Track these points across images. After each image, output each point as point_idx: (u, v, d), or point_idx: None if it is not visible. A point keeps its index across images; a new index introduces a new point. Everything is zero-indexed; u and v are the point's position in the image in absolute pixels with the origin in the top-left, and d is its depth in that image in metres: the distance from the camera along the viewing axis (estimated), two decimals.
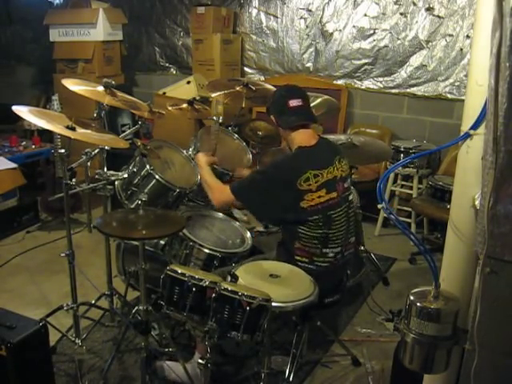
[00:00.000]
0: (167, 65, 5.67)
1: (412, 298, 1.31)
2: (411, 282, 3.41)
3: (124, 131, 3.29)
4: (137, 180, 2.52)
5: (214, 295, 1.86)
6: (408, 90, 4.45)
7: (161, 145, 2.79)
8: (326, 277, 2.33)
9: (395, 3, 4.32)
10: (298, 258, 2.33)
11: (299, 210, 2.27)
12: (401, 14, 4.31)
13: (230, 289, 1.87)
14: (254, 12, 5.04)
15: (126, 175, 2.55)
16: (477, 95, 1.28)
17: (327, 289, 2.32)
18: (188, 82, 4.84)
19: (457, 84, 4.20)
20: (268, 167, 2.44)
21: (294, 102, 2.36)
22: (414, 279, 3.48)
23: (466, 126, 1.33)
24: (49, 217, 4.36)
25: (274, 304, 1.90)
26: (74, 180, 2.47)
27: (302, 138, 2.37)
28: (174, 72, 5.63)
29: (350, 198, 2.41)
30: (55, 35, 5.16)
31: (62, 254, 2.55)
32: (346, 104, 4.70)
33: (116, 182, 2.58)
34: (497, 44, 1.04)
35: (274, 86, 3.53)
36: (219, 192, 2.43)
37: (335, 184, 2.31)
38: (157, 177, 2.48)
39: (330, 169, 2.31)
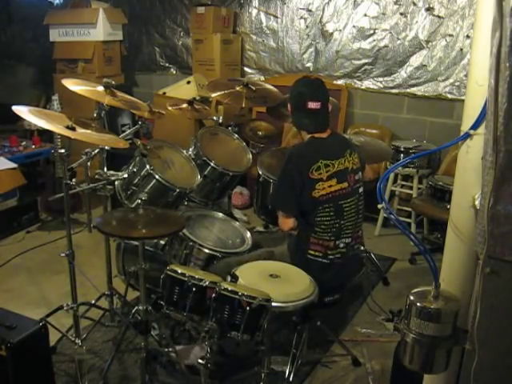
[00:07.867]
0: (167, 65, 5.66)
1: (412, 297, 1.31)
2: (411, 282, 3.40)
3: (124, 131, 3.28)
4: (137, 180, 2.51)
5: (213, 295, 1.86)
6: (408, 90, 4.44)
7: (161, 145, 2.79)
8: (337, 269, 2.34)
9: (395, 3, 4.31)
10: (311, 252, 2.33)
11: (311, 199, 2.29)
12: (401, 14, 4.31)
13: (230, 289, 1.87)
14: (254, 12, 5.04)
15: (126, 175, 2.55)
16: (477, 95, 1.28)
17: (329, 287, 2.33)
18: (188, 82, 4.85)
19: (457, 84, 4.20)
20: (285, 163, 2.41)
21: (312, 104, 2.32)
22: (413, 279, 3.47)
23: (466, 126, 1.32)
24: (49, 217, 4.36)
25: (273, 304, 1.90)
26: (74, 180, 2.47)
27: (314, 133, 2.41)
28: (174, 72, 5.63)
29: (361, 190, 2.42)
30: (55, 35, 5.16)
31: (62, 254, 2.55)
32: (346, 104, 4.70)
33: (116, 182, 2.58)
34: (497, 44, 1.04)
35: (273, 86, 3.54)
36: (281, 224, 2.44)
37: (346, 175, 2.33)
38: (157, 177, 2.48)
39: (342, 160, 2.33)
